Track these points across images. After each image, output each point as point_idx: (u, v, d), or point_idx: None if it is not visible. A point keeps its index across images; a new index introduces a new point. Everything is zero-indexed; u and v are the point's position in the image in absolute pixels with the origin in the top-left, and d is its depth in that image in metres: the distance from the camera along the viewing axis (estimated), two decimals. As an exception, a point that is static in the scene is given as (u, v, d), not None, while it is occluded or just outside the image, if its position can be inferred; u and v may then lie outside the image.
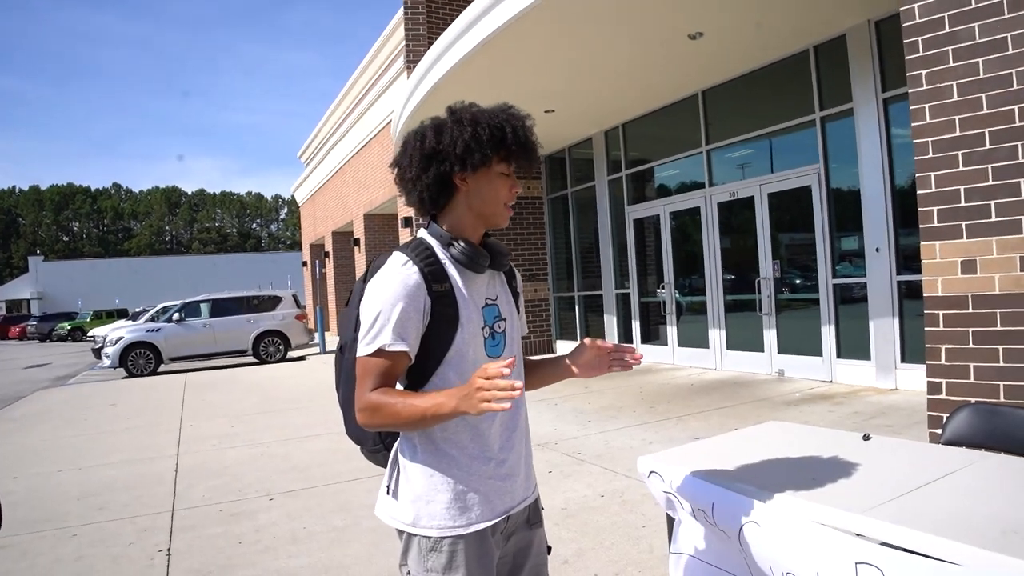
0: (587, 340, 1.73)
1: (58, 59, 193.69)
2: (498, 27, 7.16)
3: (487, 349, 1.65)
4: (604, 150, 11.67)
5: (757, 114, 8.87)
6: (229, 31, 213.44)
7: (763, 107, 8.82)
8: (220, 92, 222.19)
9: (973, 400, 3.30)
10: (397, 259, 1.58)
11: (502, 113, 1.62)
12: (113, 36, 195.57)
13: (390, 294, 1.52)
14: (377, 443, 1.74)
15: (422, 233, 1.68)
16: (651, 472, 2.19)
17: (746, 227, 9.08)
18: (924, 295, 4.14)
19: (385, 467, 1.71)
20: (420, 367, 1.60)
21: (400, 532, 1.63)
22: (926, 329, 4.12)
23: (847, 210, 7.83)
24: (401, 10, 12.49)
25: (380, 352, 1.51)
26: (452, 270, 1.61)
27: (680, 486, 2.05)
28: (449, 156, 1.56)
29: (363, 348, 1.53)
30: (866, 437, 2.33)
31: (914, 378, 6.89)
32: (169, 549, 4.00)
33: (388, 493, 1.66)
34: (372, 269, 1.63)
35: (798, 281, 8.63)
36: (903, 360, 7.10)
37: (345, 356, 1.68)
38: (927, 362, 4.13)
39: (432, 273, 1.56)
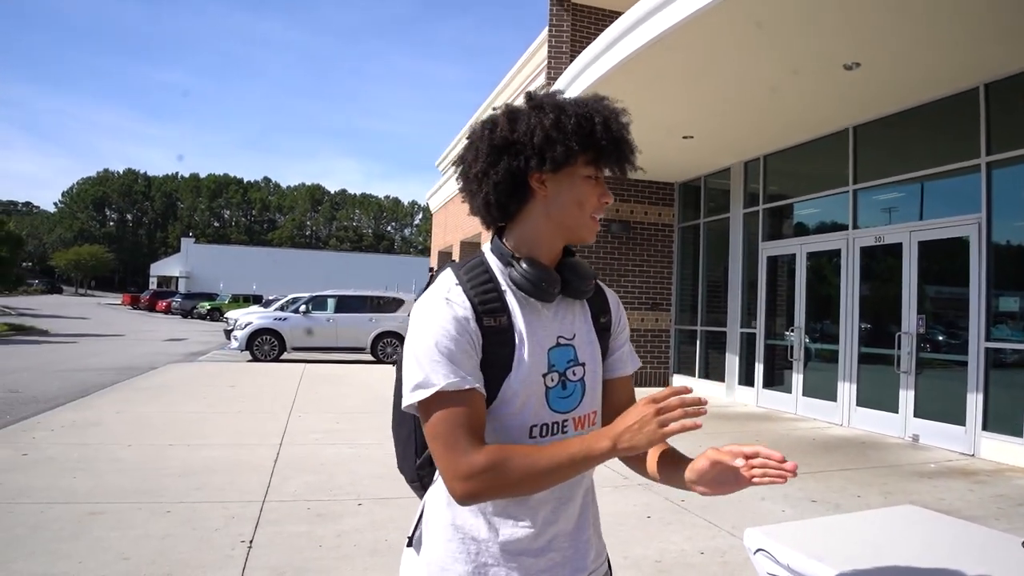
0: (711, 452, 1.25)
1: (224, 58, 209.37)
2: (639, 47, 6.93)
3: (550, 401, 1.31)
4: (742, 181, 11.16)
5: (913, 155, 8.20)
6: (380, 41, 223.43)
7: (920, 148, 8.15)
8: (367, 98, 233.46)
9: None
10: (444, 283, 1.29)
11: (593, 102, 1.31)
12: (274, 41, 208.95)
13: (435, 328, 1.21)
14: (414, 479, 1.44)
15: (484, 249, 1.38)
16: (759, 549, 1.90)
17: (890, 275, 8.39)
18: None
19: None
20: None
21: None
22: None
23: (1010, 267, 7.08)
24: (546, 29, 12.47)
25: (440, 397, 1.18)
26: (512, 299, 1.30)
27: (793, 574, 1.75)
28: (525, 148, 1.26)
29: (409, 395, 1.21)
30: (1026, 543, 1.93)
31: (1074, 463, 6.13)
32: (251, 541, 3.97)
33: (409, 544, 1.38)
34: (430, 283, 1.36)
35: (945, 340, 7.88)
36: (1062, 441, 6.31)
37: (397, 375, 1.37)
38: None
39: (484, 303, 1.26)
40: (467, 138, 1.36)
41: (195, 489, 4.99)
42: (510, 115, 1.30)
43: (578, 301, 1.41)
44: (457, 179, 1.39)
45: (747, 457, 1.21)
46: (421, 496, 1.43)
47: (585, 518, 1.39)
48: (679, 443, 1.33)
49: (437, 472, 1.31)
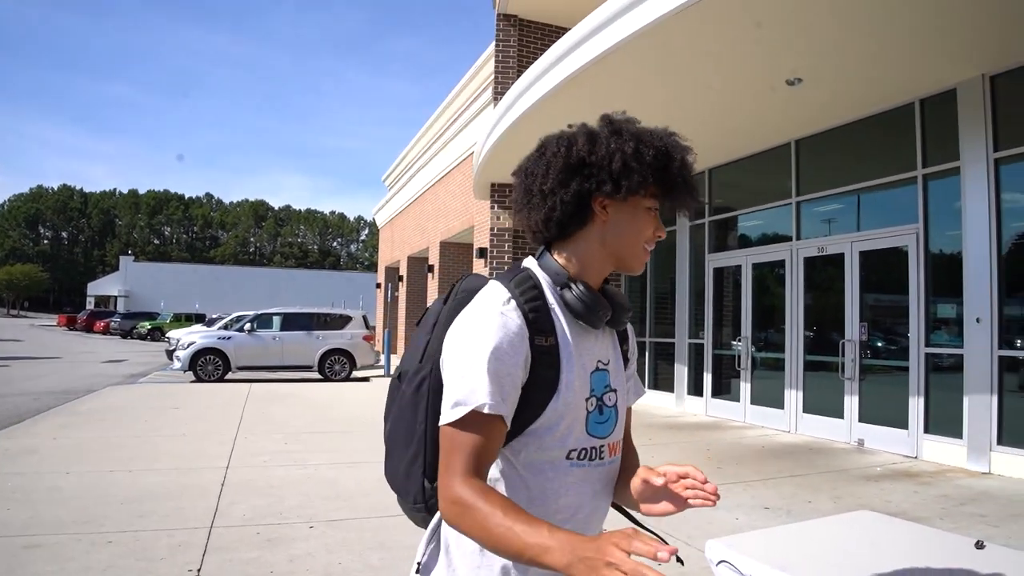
0: (643, 471, 1.27)
1: (170, 73, 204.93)
2: (586, 62, 6.98)
3: (589, 426, 1.28)
4: (687, 194, 11.30)
5: (853, 168, 8.43)
6: (333, 57, 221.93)
7: (860, 161, 8.38)
8: (315, 114, 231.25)
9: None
10: (497, 294, 1.23)
11: (667, 137, 1.29)
12: (223, 55, 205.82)
13: (485, 337, 1.16)
14: (419, 501, 1.33)
15: (530, 264, 1.33)
16: (721, 561, 1.89)
17: (833, 285, 8.60)
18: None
19: (423, 528, 1.35)
20: None
21: None
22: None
23: (946, 275, 7.30)
24: (493, 44, 12.51)
25: (473, 417, 1.14)
26: (561, 318, 1.26)
27: (757, 585, 1.74)
28: (600, 172, 1.23)
29: (448, 412, 1.16)
30: (979, 545, 1.96)
31: (1011, 463, 6.34)
32: (199, 570, 3.83)
33: (418, 571, 1.30)
34: (460, 295, 1.33)
35: (886, 346, 8.09)
36: (999, 442, 6.51)
37: (402, 388, 1.36)
38: (1039, 453, 3.67)
39: (537, 321, 1.22)
40: (537, 151, 1.33)
41: (138, 517, 4.81)
42: (590, 135, 1.27)
43: (611, 332, 1.39)
44: (516, 190, 1.35)
45: (680, 477, 1.23)
46: (421, 523, 1.37)
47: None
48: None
49: None
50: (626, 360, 1.44)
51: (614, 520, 1.39)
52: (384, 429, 1.43)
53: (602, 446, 1.31)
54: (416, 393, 1.31)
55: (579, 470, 1.27)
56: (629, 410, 1.47)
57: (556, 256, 1.32)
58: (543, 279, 1.29)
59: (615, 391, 1.34)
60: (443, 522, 1.28)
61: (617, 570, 0.93)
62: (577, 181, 1.25)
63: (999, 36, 6.02)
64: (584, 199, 1.26)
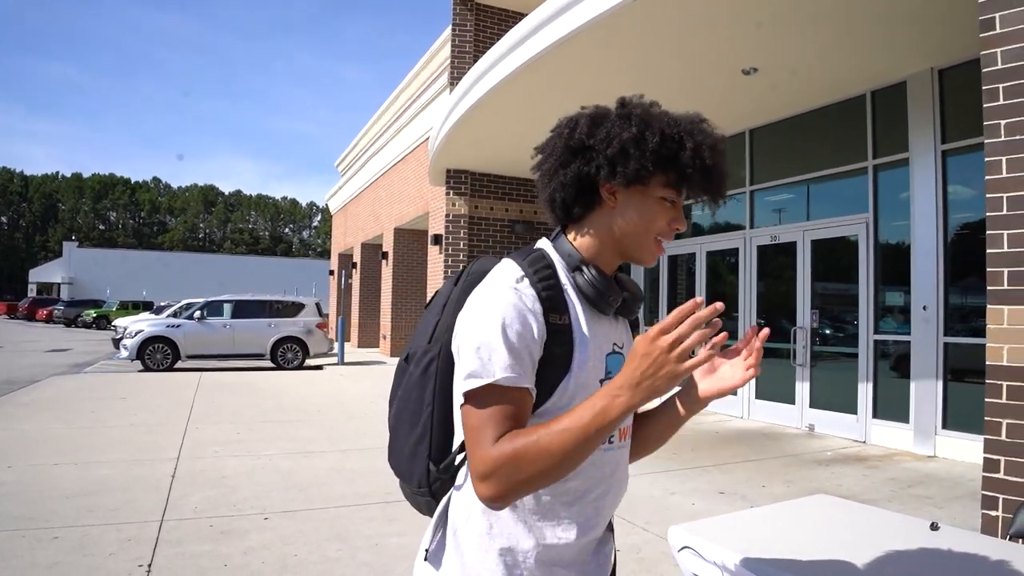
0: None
1: (116, 52, 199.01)
2: (545, 47, 6.94)
3: None
4: (643, 182, 11.38)
5: (806, 158, 8.57)
6: (286, 39, 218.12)
7: (813, 151, 8.51)
8: (266, 97, 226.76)
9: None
10: (510, 271, 1.21)
11: (687, 123, 1.24)
12: (173, 35, 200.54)
13: (503, 314, 1.13)
14: (423, 485, 1.30)
15: (544, 244, 1.31)
16: (684, 547, 1.90)
17: (785, 273, 8.74)
18: (987, 363, 3.80)
19: (426, 514, 1.34)
20: None
21: None
22: (986, 400, 3.77)
23: (894, 264, 7.47)
24: (449, 28, 12.39)
25: (494, 390, 1.10)
26: (574, 299, 1.24)
27: (721, 571, 1.75)
28: (598, 156, 1.20)
29: (469, 383, 1.12)
30: (934, 527, 2.01)
31: (955, 446, 6.52)
32: (150, 564, 3.74)
33: (426, 559, 1.27)
34: (473, 273, 1.29)
35: (836, 333, 8.26)
36: (944, 426, 6.71)
37: (409, 370, 1.32)
38: (985, 436, 3.77)
39: (551, 299, 1.19)
40: (553, 130, 1.31)
41: (86, 511, 4.67)
42: (594, 118, 1.24)
43: (623, 320, 1.38)
44: (533, 168, 1.34)
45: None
46: (424, 508, 1.35)
47: (609, 521, 1.35)
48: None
49: (467, 476, 1.21)
50: None
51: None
52: (389, 413, 1.39)
53: None
54: (424, 374, 1.29)
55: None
56: None
57: (570, 239, 1.30)
58: (557, 260, 1.27)
59: None
60: (451, 505, 1.26)
61: (673, 343, 1.00)
62: (577, 163, 1.23)
63: (948, 30, 6.14)
64: (586, 182, 1.24)
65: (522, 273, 1.20)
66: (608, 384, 1.06)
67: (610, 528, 1.39)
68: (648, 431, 1.42)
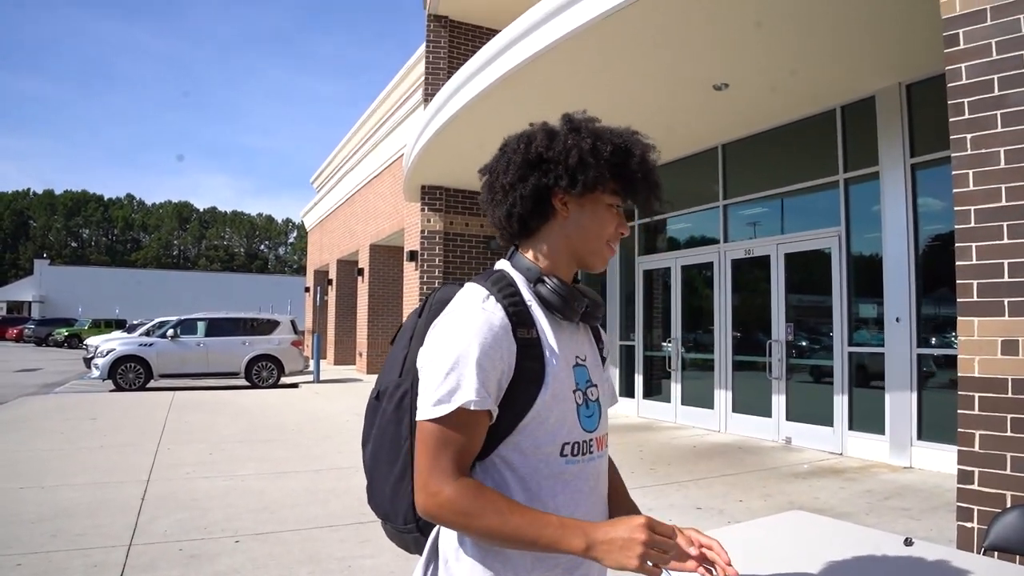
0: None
1: (86, 67, 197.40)
2: (517, 64, 6.95)
3: (581, 419, 1.28)
4: (618, 197, 11.41)
5: (778, 172, 8.64)
6: (257, 55, 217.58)
7: (785, 166, 8.59)
8: (240, 113, 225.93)
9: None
10: (475, 293, 1.23)
11: (628, 134, 1.33)
12: (143, 49, 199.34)
13: (470, 336, 1.16)
14: (409, 521, 1.30)
15: (502, 265, 1.35)
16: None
17: (760, 287, 8.79)
18: (959, 374, 3.82)
19: (413, 552, 1.33)
20: (489, 431, 1.22)
21: None
22: (959, 412, 3.79)
23: (867, 276, 7.54)
24: (423, 45, 12.40)
25: (459, 414, 1.14)
26: (539, 314, 1.27)
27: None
28: (557, 167, 1.26)
29: (430, 409, 1.15)
30: (908, 542, 2.00)
31: (931, 457, 6.56)
32: (117, 591, 3.65)
33: None
34: (435, 303, 1.30)
35: (812, 346, 8.30)
36: (919, 437, 6.75)
37: (383, 407, 1.33)
38: (959, 448, 3.79)
39: (518, 315, 1.22)
40: (500, 149, 1.36)
41: (51, 536, 4.55)
42: (548, 132, 1.30)
43: (587, 329, 1.41)
44: (483, 188, 1.37)
45: (703, 547, 1.23)
46: (412, 545, 1.34)
47: None
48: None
49: None
50: (603, 359, 1.45)
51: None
52: (364, 455, 1.40)
53: (591, 440, 1.31)
54: (398, 409, 1.31)
55: (573, 467, 1.27)
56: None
57: (525, 254, 1.34)
58: (517, 277, 1.31)
59: (595, 386, 1.35)
60: (440, 537, 1.27)
61: (648, 543, 1.06)
62: (535, 176, 1.27)
63: (915, 46, 6.22)
64: (543, 194, 1.28)
65: (487, 293, 1.23)
66: (587, 523, 1.13)
67: None
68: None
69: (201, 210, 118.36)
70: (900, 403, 6.86)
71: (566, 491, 1.25)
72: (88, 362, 17.42)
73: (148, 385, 15.22)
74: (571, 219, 1.31)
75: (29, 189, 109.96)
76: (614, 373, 11.36)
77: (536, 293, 1.28)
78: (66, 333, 39.23)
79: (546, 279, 1.28)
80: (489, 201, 1.35)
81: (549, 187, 1.27)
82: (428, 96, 11.57)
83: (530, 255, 1.34)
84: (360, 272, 19.41)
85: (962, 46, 3.80)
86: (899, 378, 6.88)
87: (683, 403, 9.90)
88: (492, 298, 1.22)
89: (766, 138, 8.70)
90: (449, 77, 9.98)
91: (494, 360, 1.17)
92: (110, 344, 15.84)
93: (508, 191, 1.30)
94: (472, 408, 1.14)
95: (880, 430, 7.10)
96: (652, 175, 1.32)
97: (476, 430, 1.18)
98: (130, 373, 15.03)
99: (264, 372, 16.10)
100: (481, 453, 1.22)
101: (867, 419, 7.31)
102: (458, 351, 1.16)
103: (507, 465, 1.23)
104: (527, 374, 1.21)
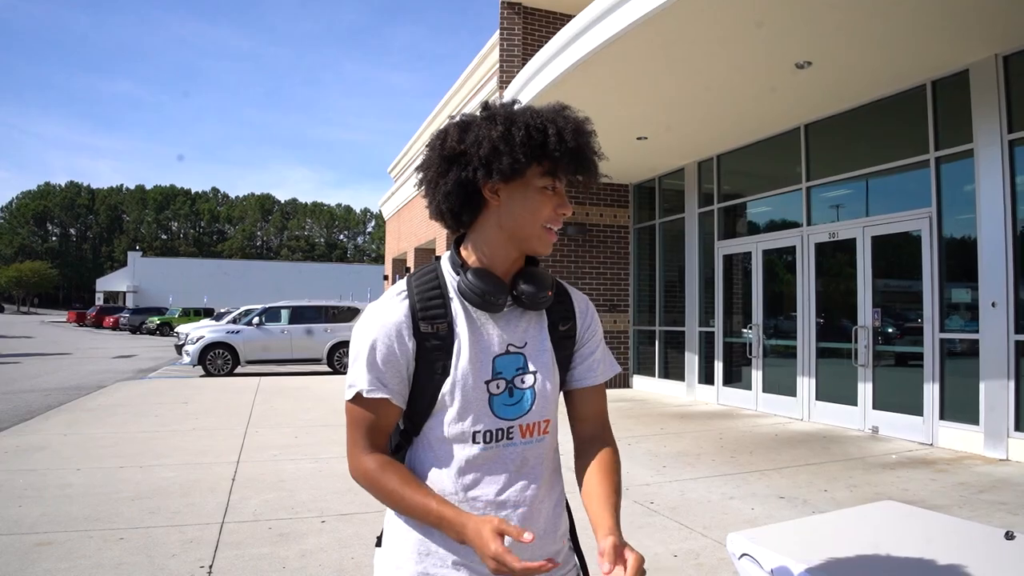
0: (605, 545, 1.16)
1: (173, 68, 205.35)
2: (593, 48, 6.90)
3: (495, 408, 1.32)
4: (696, 182, 11.23)
5: (864, 152, 8.32)
6: (334, 50, 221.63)
7: (871, 145, 8.27)
8: (320, 107, 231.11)
9: None
10: (394, 289, 1.36)
11: (548, 112, 1.30)
12: (226, 49, 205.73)
13: (368, 331, 1.30)
14: None
15: (443, 256, 1.41)
16: (744, 554, 1.84)
17: (845, 271, 8.51)
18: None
19: None
20: (411, 414, 1.35)
21: None
22: (1062, 401, 3.61)
23: (960, 259, 7.21)
24: (497, 33, 12.41)
25: (360, 399, 1.29)
26: (458, 306, 1.33)
27: (782, 581, 1.69)
28: (472, 159, 1.26)
29: (346, 392, 1.32)
30: (1009, 536, 1.90)
31: (1029, 450, 6.25)
32: (211, 566, 3.80)
33: (378, 544, 1.44)
34: None
35: (900, 332, 8.00)
36: (1017, 428, 6.43)
37: None
38: (1061, 439, 3.60)
39: (426, 308, 1.30)
40: (426, 146, 1.38)
41: (149, 513, 4.78)
42: (461, 125, 1.31)
43: (539, 314, 1.41)
44: (416, 186, 1.42)
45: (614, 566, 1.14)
46: None
47: (551, 530, 1.40)
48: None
49: None
50: (569, 339, 1.43)
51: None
52: None
53: (511, 427, 1.34)
54: None
55: (488, 452, 1.32)
56: (600, 390, 1.48)
57: (464, 247, 1.38)
58: (447, 271, 1.37)
59: (533, 373, 1.36)
60: None
61: (497, 567, 1.11)
62: (455, 171, 1.29)
63: (1012, 15, 5.90)
64: (470, 187, 1.29)
65: (401, 289, 1.34)
66: (459, 519, 1.21)
67: (576, 551, 1.48)
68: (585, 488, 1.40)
69: (282, 202, 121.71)
70: (996, 392, 6.56)
71: (479, 473, 1.32)
72: (179, 349, 18.18)
73: (235, 371, 15.80)
74: (503, 207, 1.31)
75: (122, 185, 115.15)
76: (692, 360, 11.20)
77: (456, 285, 1.34)
78: (158, 321, 41.02)
79: (462, 274, 1.33)
80: (426, 198, 1.38)
81: (472, 179, 1.28)
82: (503, 84, 11.59)
83: (466, 249, 1.37)
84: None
85: (1067, 14, 3.58)
86: (995, 366, 6.57)
87: (764, 391, 9.69)
88: (403, 294, 1.32)
89: (851, 117, 8.39)
90: (523, 64, 9.99)
91: (388, 354, 1.28)
92: (199, 332, 16.50)
93: (435, 187, 1.33)
94: (366, 396, 1.28)
95: (974, 420, 6.80)
96: (577, 151, 1.29)
97: (380, 413, 1.30)
98: (218, 359, 15.63)
99: (345, 358, 16.47)
100: (416, 431, 1.35)
101: (959, 408, 7.01)
102: (358, 346, 1.30)
103: (428, 445, 1.34)
104: (433, 366, 1.30)
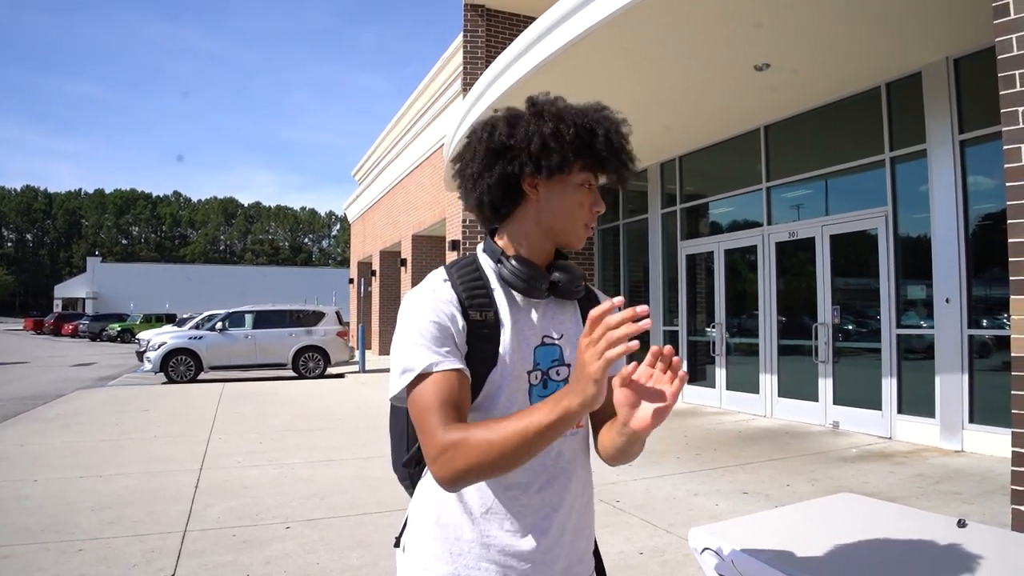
0: (617, 379, 1.19)
1: (136, 69, 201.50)
2: (555, 51, 6.92)
3: (532, 399, 1.29)
4: (659, 183, 11.34)
5: (822, 152, 8.48)
6: (299, 51, 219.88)
7: (828, 145, 8.43)
8: (284, 109, 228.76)
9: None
10: (434, 276, 1.33)
11: (594, 112, 1.31)
12: (190, 50, 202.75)
13: (422, 310, 1.23)
14: (405, 477, 1.46)
15: (478, 248, 1.41)
16: (705, 549, 1.87)
17: (804, 269, 8.66)
18: (1012, 355, 3.73)
19: None
20: None
21: None
22: (1012, 393, 3.71)
23: (915, 257, 7.37)
24: (461, 35, 12.41)
25: (427, 377, 1.17)
26: (502, 296, 1.32)
27: (743, 573, 1.72)
28: (521, 154, 1.28)
29: (403, 379, 1.19)
30: (961, 524, 1.96)
31: (983, 440, 6.42)
32: (174, 575, 3.75)
33: (397, 544, 1.40)
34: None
35: (859, 329, 8.16)
36: (971, 420, 6.60)
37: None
38: (1013, 430, 3.70)
39: (472, 297, 1.28)
40: (466, 137, 1.37)
41: (109, 523, 4.70)
42: (510, 119, 1.31)
43: (569, 302, 1.42)
44: (454, 176, 1.40)
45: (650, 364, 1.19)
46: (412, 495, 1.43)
47: (577, 529, 1.37)
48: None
49: (425, 469, 1.33)
50: None
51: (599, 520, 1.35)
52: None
53: None
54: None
55: None
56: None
57: (497, 239, 1.38)
58: (485, 261, 1.36)
59: (567, 366, 1.35)
60: (413, 498, 1.39)
61: (590, 343, 1.02)
62: (500, 164, 1.29)
63: (962, 19, 6.05)
64: (511, 181, 1.31)
65: (444, 277, 1.32)
66: (558, 393, 1.08)
67: (597, 557, 1.47)
68: (614, 444, 1.32)
69: (246, 205, 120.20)
70: (951, 386, 6.72)
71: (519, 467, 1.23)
72: (140, 355, 17.85)
73: (198, 377, 15.58)
74: (542, 201, 1.32)
75: (81, 189, 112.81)
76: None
77: (497, 273, 1.33)
78: (119, 328, 40.21)
79: (504, 260, 1.32)
80: (462, 190, 1.38)
81: (516, 173, 1.29)
82: (467, 86, 11.59)
83: (502, 239, 1.37)
84: (403, 263, 19.55)
85: (1012, 16, 3.69)
86: (950, 360, 6.73)
87: (728, 388, 9.81)
88: (448, 283, 1.30)
89: (809, 118, 8.54)
90: (487, 66, 9.99)
91: (445, 329, 1.22)
92: (161, 338, 16.22)
93: (477, 180, 1.33)
94: (438, 369, 1.17)
95: (930, 413, 6.96)
96: (620, 152, 1.31)
97: (454, 388, 1.17)
98: (181, 366, 15.39)
99: (311, 363, 16.36)
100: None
101: (917, 402, 7.17)
102: (413, 326, 1.22)
103: None
104: (481, 354, 1.26)
